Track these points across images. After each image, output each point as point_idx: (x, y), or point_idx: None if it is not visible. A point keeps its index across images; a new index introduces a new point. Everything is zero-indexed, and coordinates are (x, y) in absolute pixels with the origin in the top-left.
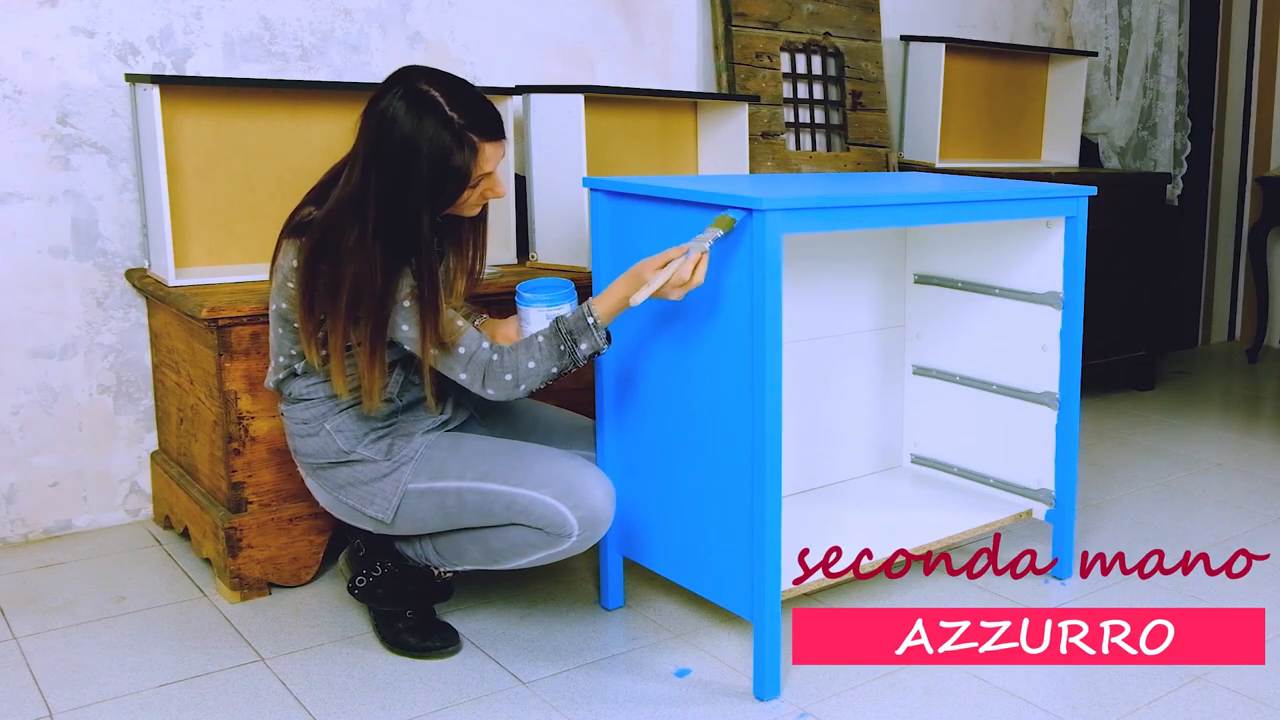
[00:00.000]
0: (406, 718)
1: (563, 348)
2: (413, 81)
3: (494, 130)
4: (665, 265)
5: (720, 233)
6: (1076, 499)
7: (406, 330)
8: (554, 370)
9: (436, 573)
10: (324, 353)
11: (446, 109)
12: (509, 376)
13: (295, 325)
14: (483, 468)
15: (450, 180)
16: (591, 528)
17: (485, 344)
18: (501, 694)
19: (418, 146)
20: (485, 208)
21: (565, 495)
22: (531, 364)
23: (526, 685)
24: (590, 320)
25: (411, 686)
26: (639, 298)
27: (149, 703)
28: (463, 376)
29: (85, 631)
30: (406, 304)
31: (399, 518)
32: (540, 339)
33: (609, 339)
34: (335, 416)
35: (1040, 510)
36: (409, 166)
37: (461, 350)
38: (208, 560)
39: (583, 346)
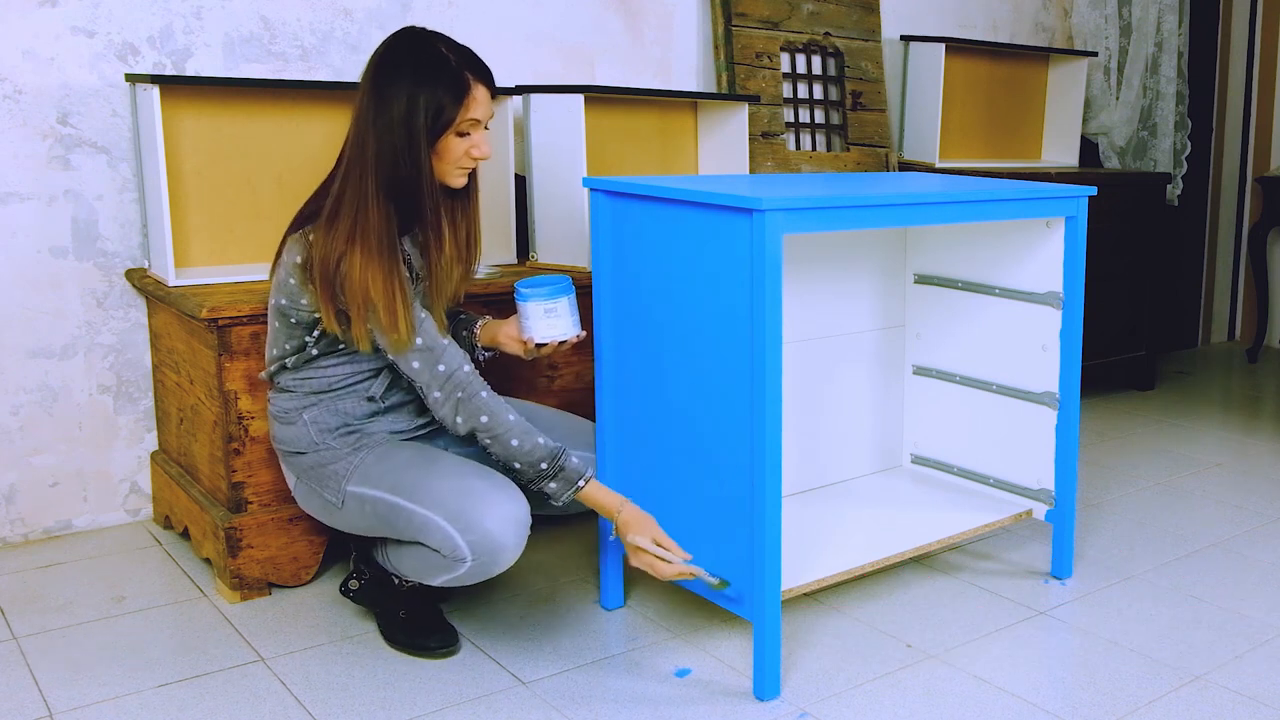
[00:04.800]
0: (406, 718)
1: (544, 467)
2: (409, 32)
3: (486, 76)
4: (660, 545)
5: (712, 584)
6: (1076, 499)
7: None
8: (517, 465)
9: (397, 580)
10: (346, 325)
11: (442, 49)
12: (485, 419)
13: (293, 321)
14: (393, 480)
15: (442, 112)
16: (486, 554)
17: (466, 368)
18: (501, 694)
19: (416, 82)
20: (474, 182)
21: (455, 518)
22: (515, 442)
23: (526, 685)
24: (579, 484)
25: (411, 686)
26: (623, 539)
27: (149, 703)
28: (436, 395)
29: (85, 631)
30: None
31: (343, 509)
32: (541, 440)
33: (566, 503)
34: (314, 409)
35: (1040, 510)
36: (406, 101)
37: (441, 368)
38: (208, 560)
39: (553, 485)
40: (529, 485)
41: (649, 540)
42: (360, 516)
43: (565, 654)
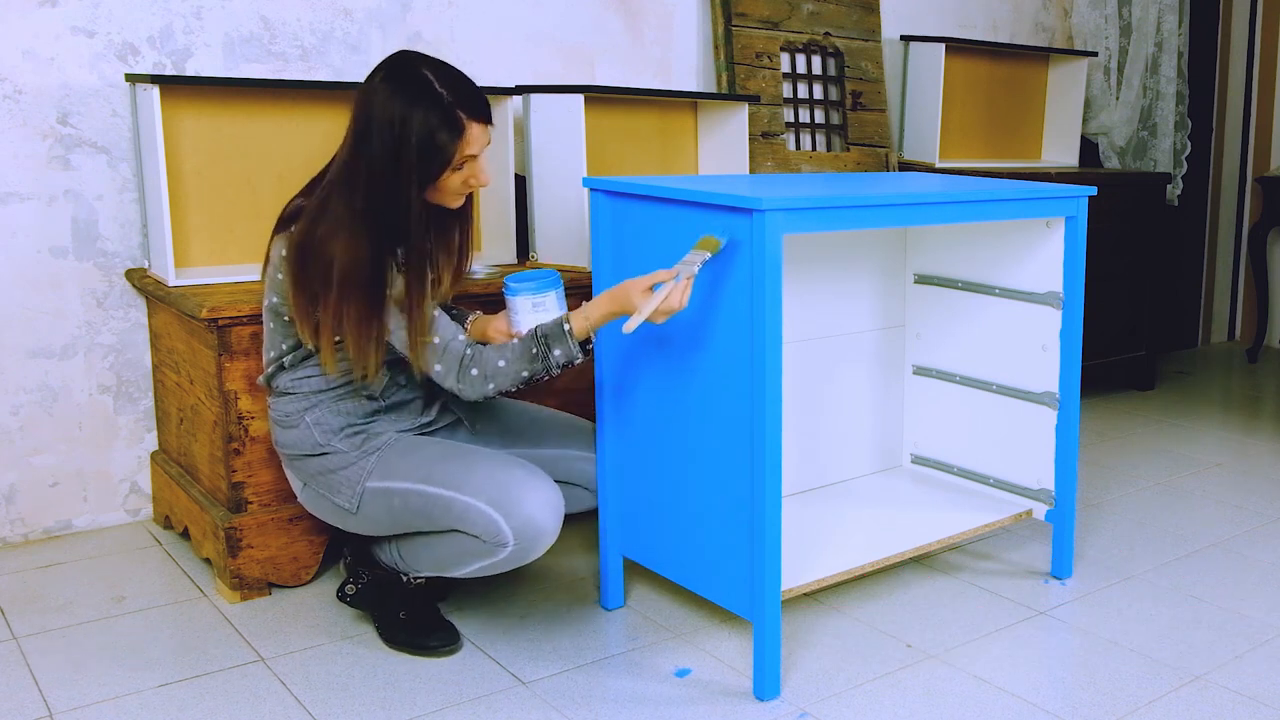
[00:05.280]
0: (406, 718)
1: (535, 350)
2: (403, 61)
3: (481, 111)
4: (651, 288)
5: (708, 255)
6: (1076, 499)
7: (392, 328)
8: (524, 374)
9: (406, 578)
10: (316, 342)
11: (436, 85)
12: (475, 371)
13: (286, 319)
14: (426, 470)
15: (436, 155)
16: (529, 539)
17: (461, 336)
18: (501, 694)
19: (407, 119)
20: (470, 201)
21: (499, 503)
22: (501, 362)
23: (526, 685)
24: (566, 328)
25: (411, 686)
26: (631, 325)
27: (149, 703)
28: (437, 369)
29: (85, 631)
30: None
31: (360, 512)
32: (515, 340)
33: (586, 352)
34: (315, 410)
35: (1040, 510)
36: (398, 139)
37: (436, 340)
38: (208, 560)
39: (556, 353)
40: (547, 377)
41: (644, 300)
42: (384, 513)
43: (565, 654)
